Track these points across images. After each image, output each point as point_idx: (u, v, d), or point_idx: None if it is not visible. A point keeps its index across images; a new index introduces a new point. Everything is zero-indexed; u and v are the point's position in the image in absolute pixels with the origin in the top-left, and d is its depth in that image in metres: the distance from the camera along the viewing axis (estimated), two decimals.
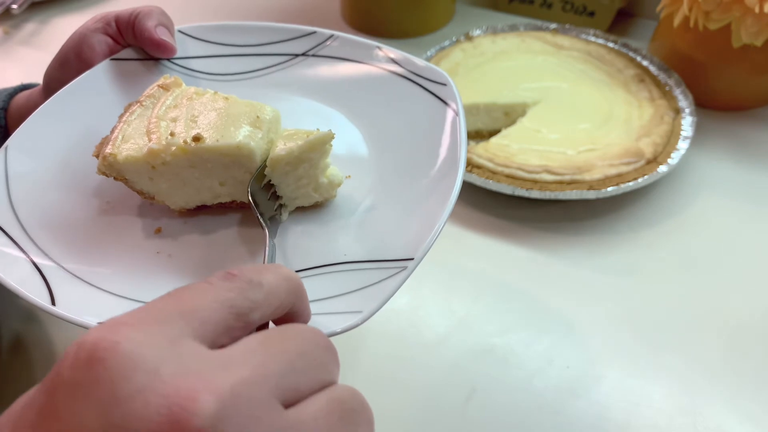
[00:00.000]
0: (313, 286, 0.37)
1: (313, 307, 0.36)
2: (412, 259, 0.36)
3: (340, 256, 0.39)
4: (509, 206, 0.68)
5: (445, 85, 0.47)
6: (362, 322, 0.33)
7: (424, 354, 0.54)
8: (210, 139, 0.40)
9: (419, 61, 0.49)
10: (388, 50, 0.51)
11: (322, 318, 0.35)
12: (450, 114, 0.45)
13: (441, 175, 0.41)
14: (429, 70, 0.48)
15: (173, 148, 0.40)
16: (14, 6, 1.02)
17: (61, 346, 0.57)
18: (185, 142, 0.40)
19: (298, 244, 0.41)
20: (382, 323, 0.57)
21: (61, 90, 0.48)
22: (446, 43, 0.85)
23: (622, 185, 0.64)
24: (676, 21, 0.74)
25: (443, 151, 0.43)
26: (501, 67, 0.81)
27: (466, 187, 0.69)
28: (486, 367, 0.53)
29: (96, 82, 0.50)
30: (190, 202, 0.43)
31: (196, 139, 0.40)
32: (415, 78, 0.49)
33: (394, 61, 0.50)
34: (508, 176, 0.66)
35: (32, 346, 0.57)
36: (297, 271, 0.39)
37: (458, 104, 0.45)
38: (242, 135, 0.41)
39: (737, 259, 0.62)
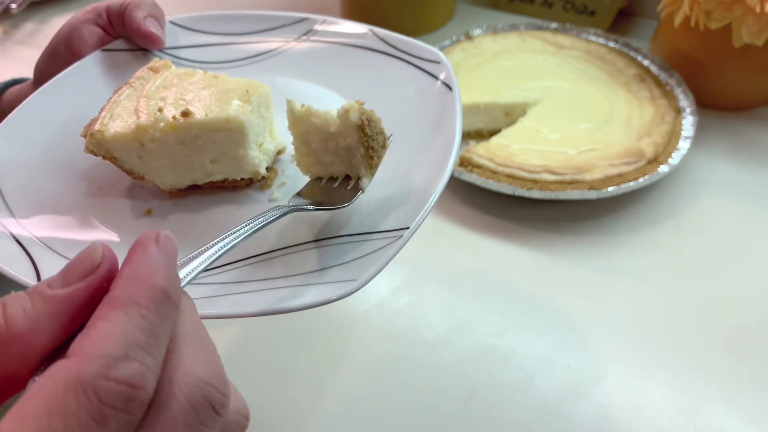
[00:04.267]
0: (308, 259, 0.37)
1: (309, 279, 0.36)
2: (408, 228, 0.36)
3: (335, 231, 0.39)
4: (510, 206, 0.68)
5: (438, 63, 0.47)
6: (356, 290, 0.33)
7: (424, 354, 0.54)
8: (199, 113, 0.40)
9: (411, 40, 0.49)
10: (379, 32, 0.51)
11: (317, 288, 0.35)
12: (443, 89, 0.45)
13: (437, 147, 0.41)
14: (421, 49, 0.48)
15: (162, 124, 0.39)
16: (13, 6, 1.02)
17: None
18: (174, 117, 0.39)
19: (291, 221, 0.41)
20: (382, 323, 0.57)
21: (51, 80, 0.48)
22: (446, 42, 0.85)
23: (623, 185, 0.64)
24: (677, 20, 0.74)
25: (439, 125, 0.43)
26: (501, 66, 0.81)
27: (467, 187, 0.69)
28: (486, 367, 0.53)
29: (86, 73, 0.50)
30: (181, 181, 0.43)
31: (185, 114, 0.40)
32: (407, 57, 0.49)
33: (385, 42, 0.50)
34: (508, 176, 0.66)
35: None
36: (293, 246, 0.39)
37: (452, 79, 0.45)
38: (232, 109, 0.40)
39: (738, 259, 0.62)
